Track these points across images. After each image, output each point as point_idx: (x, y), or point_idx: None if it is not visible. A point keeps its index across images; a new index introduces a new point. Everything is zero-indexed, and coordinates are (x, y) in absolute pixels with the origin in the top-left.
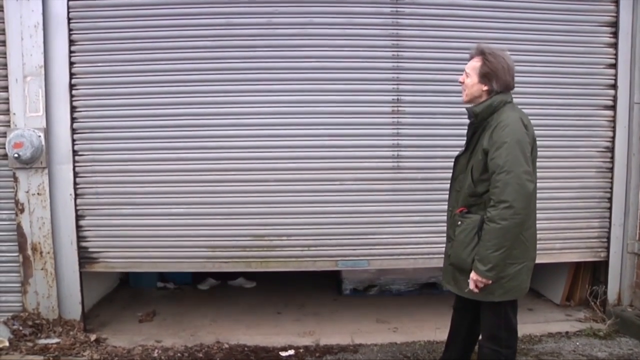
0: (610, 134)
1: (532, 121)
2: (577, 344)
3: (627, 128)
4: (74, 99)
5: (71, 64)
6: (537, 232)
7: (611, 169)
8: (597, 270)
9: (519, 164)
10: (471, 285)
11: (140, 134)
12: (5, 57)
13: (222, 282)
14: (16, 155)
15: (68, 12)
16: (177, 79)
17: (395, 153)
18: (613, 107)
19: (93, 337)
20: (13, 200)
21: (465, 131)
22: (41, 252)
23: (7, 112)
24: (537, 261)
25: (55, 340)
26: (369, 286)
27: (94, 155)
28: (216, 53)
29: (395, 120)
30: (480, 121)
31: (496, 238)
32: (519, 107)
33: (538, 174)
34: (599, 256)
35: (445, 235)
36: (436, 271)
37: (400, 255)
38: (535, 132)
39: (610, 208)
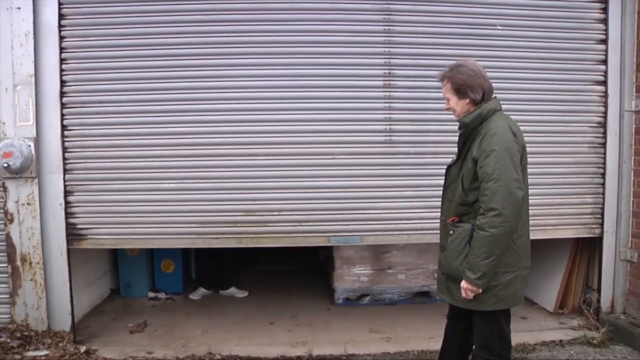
0: (602, 109)
1: (524, 96)
2: (571, 352)
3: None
4: (64, 107)
5: (62, 72)
6: (531, 207)
7: (604, 144)
8: (589, 278)
9: (507, 171)
10: (462, 294)
11: (130, 109)
12: None
13: (213, 292)
14: (5, 164)
15: (59, 21)
16: (171, 64)
17: (387, 127)
18: (604, 83)
19: (83, 348)
20: (2, 210)
21: None
22: (30, 263)
23: None
24: (532, 237)
25: (44, 352)
26: (361, 295)
27: (83, 129)
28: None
29: (387, 94)
30: (470, 130)
31: (485, 246)
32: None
33: (530, 149)
34: (593, 232)
35: (438, 210)
36: (429, 280)
37: (393, 230)
38: (528, 107)
39: (603, 184)
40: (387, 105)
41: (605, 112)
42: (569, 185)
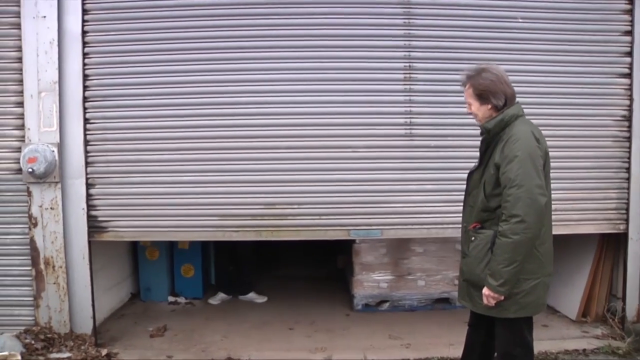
0: (627, 102)
1: (546, 89)
2: None
3: None
4: (87, 111)
5: (85, 79)
6: (554, 202)
7: (628, 138)
8: (613, 286)
9: (530, 177)
10: (484, 301)
11: (152, 102)
12: (21, 74)
13: (233, 297)
14: (30, 169)
15: (83, 28)
16: (191, 58)
17: (408, 120)
18: (629, 75)
19: (104, 351)
20: (27, 215)
21: None
22: (53, 266)
23: (21, 127)
24: (554, 232)
25: (67, 354)
26: (381, 301)
27: (105, 123)
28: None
29: (407, 87)
30: (492, 136)
31: (508, 253)
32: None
33: (553, 142)
34: (617, 228)
35: (458, 204)
36: (449, 286)
37: (413, 224)
38: (550, 100)
39: (628, 179)
40: (407, 98)
41: (631, 106)
42: (592, 180)
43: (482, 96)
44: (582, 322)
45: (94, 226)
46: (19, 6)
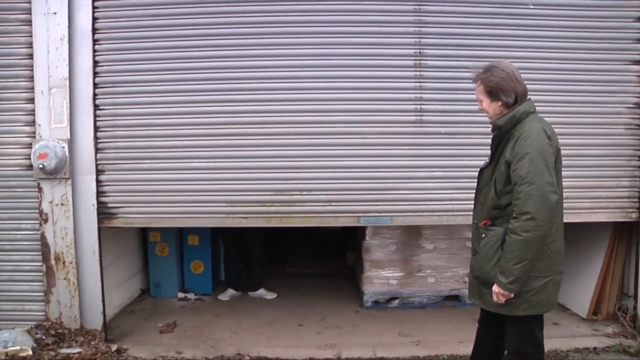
0: (639, 89)
1: (557, 76)
2: None
3: None
4: (97, 109)
5: (95, 75)
6: (566, 190)
7: None
8: (624, 284)
9: (541, 175)
10: (494, 298)
11: (161, 88)
12: (32, 70)
13: (242, 294)
14: (41, 165)
15: (93, 25)
16: (201, 44)
17: (418, 107)
18: None
19: (114, 347)
20: (37, 211)
21: None
22: (64, 262)
23: (32, 123)
24: (566, 220)
25: (77, 350)
26: (390, 298)
27: (115, 109)
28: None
29: (418, 73)
30: (503, 133)
31: (518, 250)
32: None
33: (564, 130)
34: (630, 217)
35: (469, 191)
36: (459, 284)
37: (423, 212)
38: (561, 87)
39: None
40: (417, 85)
41: None
42: (604, 168)
43: (493, 93)
44: (593, 320)
45: (104, 212)
46: (29, 3)
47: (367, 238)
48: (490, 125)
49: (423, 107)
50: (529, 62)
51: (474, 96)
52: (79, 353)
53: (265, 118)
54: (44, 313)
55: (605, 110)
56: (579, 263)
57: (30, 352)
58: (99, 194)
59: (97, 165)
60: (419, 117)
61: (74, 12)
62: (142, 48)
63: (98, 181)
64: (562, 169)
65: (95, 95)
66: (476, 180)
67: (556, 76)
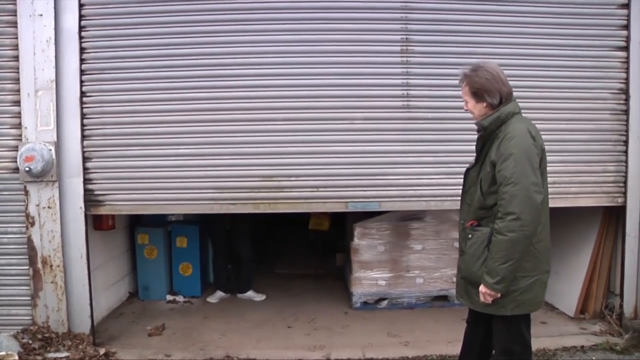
0: (624, 75)
1: (542, 62)
2: (593, 358)
3: None
4: (84, 111)
5: (82, 77)
6: (552, 175)
7: (626, 111)
8: (611, 283)
9: (526, 175)
10: (481, 298)
11: (148, 74)
12: (18, 72)
13: (231, 296)
14: (27, 168)
15: (79, 26)
16: (187, 31)
17: (405, 92)
18: (626, 48)
19: (102, 351)
20: (24, 214)
21: None
22: (51, 266)
23: (18, 126)
24: (553, 205)
25: (65, 354)
26: (379, 299)
27: (101, 96)
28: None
29: (405, 59)
30: (489, 134)
31: (504, 250)
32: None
33: (550, 115)
34: (616, 202)
35: (457, 176)
36: (447, 284)
37: (411, 197)
38: (546, 72)
39: (626, 152)
40: (404, 70)
41: (627, 79)
42: (590, 153)
43: (478, 94)
44: (580, 318)
45: (90, 200)
46: (15, 4)
47: (355, 239)
48: (477, 133)
49: (410, 92)
50: (515, 48)
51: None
52: (67, 357)
53: (253, 104)
54: (30, 317)
55: (591, 95)
56: (566, 262)
57: (17, 358)
58: (86, 181)
59: (83, 144)
60: (406, 103)
61: (60, 14)
62: (129, 46)
63: (85, 168)
64: (549, 154)
65: (82, 94)
66: (462, 177)
67: (542, 62)
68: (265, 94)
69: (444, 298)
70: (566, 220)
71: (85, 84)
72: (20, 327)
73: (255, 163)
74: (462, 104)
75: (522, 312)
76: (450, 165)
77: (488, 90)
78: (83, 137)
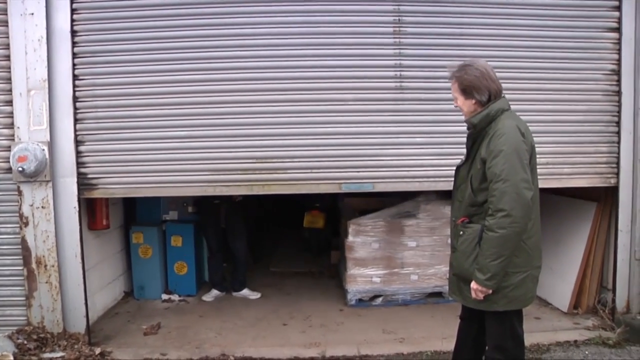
0: (616, 56)
1: (533, 43)
2: (587, 352)
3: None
4: (77, 111)
5: (74, 77)
6: (545, 156)
7: (618, 92)
8: (604, 278)
9: (515, 172)
10: (473, 295)
11: (140, 57)
12: (10, 72)
13: (226, 294)
14: (20, 168)
15: (72, 26)
16: (179, 13)
17: (398, 73)
18: (618, 30)
19: (98, 350)
20: (17, 214)
21: None
22: (45, 266)
23: (11, 125)
24: (546, 185)
25: (60, 354)
26: (374, 296)
27: (94, 79)
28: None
29: (397, 40)
30: (478, 131)
31: (495, 247)
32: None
33: (543, 96)
34: (608, 182)
35: (450, 157)
36: (442, 280)
37: (405, 177)
38: (538, 54)
39: (618, 132)
40: (397, 51)
41: (619, 59)
42: (583, 134)
43: (467, 91)
44: (574, 313)
45: (84, 184)
46: (5, 3)
47: (350, 236)
48: (467, 130)
49: (403, 73)
50: (507, 28)
51: (455, 63)
52: (62, 357)
53: (247, 85)
54: (25, 318)
55: (583, 76)
56: (559, 258)
57: (12, 358)
58: (79, 165)
59: (76, 127)
60: (399, 84)
61: (52, 13)
62: (121, 28)
63: (78, 151)
64: (542, 134)
65: (75, 98)
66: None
67: (534, 43)
68: (257, 75)
69: (438, 294)
70: (559, 215)
71: (78, 78)
72: (15, 328)
73: (248, 145)
74: None
75: (514, 308)
76: (443, 146)
77: (477, 88)
78: (76, 134)
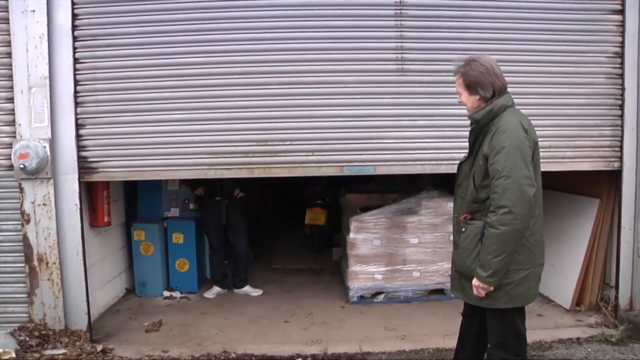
0: (619, 39)
1: (537, 25)
2: (589, 350)
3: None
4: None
5: (75, 74)
6: (548, 139)
7: (621, 75)
8: (606, 275)
9: (518, 168)
10: (474, 292)
11: (140, 40)
12: (11, 69)
13: (228, 291)
14: (22, 166)
15: (73, 23)
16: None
17: (399, 56)
18: (621, 12)
19: (99, 347)
20: (19, 211)
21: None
22: (47, 263)
23: (12, 123)
24: (549, 169)
25: (62, 351)
26: (376, 293)
27: (95, 62)
28: None
29: (399, 23)
30: (481, 127)
31: (496, 244)
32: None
33: (546, 79)
34: (612, 166)
35: (452, 140)
36: (444, 277)
37: (407, 160)
38: (542, 36)
39: (622, 116)
40: (398, 34)
41: (623, 42)
42: (586, 117)
43: (471, 87)
44: (576, 311)
45: (84, 167)
46: (6, 0)
47: (351, 233)
48: (470, 126)
49: (404, 56)
50: (510, 11)
51: (455, 45)
52: (64, 354)
53: (247, 68)
54: (27, 315)
55: (586, 59)
56: (562, 255)
57: (14, 355)
58: (79, 148)
59: (76, 110)
60: (400, 66)
61: (53, 10)
62: (121, 12)
63: (78, 136)
64: (545, 118)
65: (76, 94)
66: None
67: (537, 25)
68: (258, 58)
69: (440, 291)
70: (562, 212)
71: (79, 71)
72: (17, 325)
73: (249, 127)
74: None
75: (516, 305)
76: (444, 129)
77: (481, 83)
78: (77, 132)
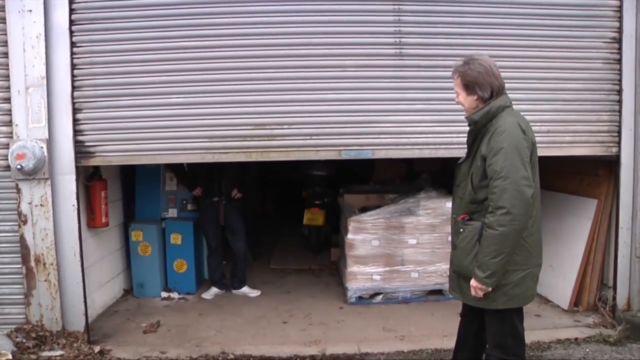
0: (617, 24)
1: (534, 10)
2: (587, 350)
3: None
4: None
5: (73, 74)
6: (546, 124)
7: (619, 60)
8: (604, 275)
9: (516, 169)
10: (472, 292)
11: (138, 24)
12: (8, 69)
13: (226, 292)
14: (19, 166)
15: (70, 23)
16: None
17: (397, 40)
18: None
19: (97, 348)
20: (16, 212)
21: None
22: (44, 264)
23: (9, 123)
24: (546, 154)
25: (59, 352)
26: (374, 294)
27: (92, 46)
28: None
29: (397, 7)
30: (479, 128)
31: (494, 244)
32: None
33: (544, 64)
34: (610, 151)
35: (450, 124)
36: (442, 278)
37: (405, 145)
38: (539, 21)
39: (619, 101)
40: (397, 18)
41: (620, 27)
42: (584, 102)
43: (469, 87)
44: (574, 311)
45: (81, 152)
46: (3, 0)
47: (350, 234)
48: (468, 127)
49: (403, 40)
50: None
51: (454, 29)
52: (61, 356)
53: (244, 52)
54: (24, 316)
55: (584, 44)
56: (560, 255)
57: (10, 357)
58: (76, 132)
59: (73, 95)
60: (398, 50)
61: (50, 10)
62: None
63: (75, 120)
64: (543, 103)
65: (74, 95)
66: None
67: (535, 11)
68: (255, 41)
69: (439, 292)
70: (560, 212)
71: (77, 67)
72: (14, 326)
73: (246, 111)
74: (456, 51)
75: (514, 306)
76: (443, 113)
77: (479, 84)
78: (75, 128)
